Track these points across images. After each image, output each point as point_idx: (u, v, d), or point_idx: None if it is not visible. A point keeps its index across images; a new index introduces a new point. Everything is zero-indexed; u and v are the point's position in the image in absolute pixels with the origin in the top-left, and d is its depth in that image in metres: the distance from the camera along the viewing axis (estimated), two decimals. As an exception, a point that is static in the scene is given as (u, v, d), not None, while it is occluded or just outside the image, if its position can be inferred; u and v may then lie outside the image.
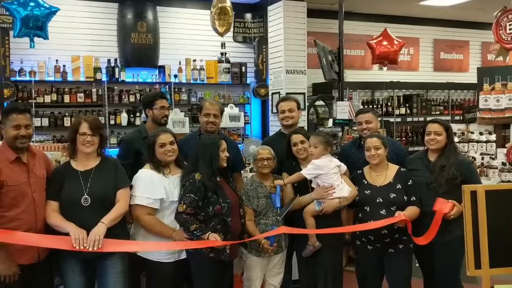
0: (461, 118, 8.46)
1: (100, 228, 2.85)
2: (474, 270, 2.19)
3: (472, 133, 5.54)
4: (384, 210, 3.33)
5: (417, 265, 3.72)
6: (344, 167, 3.54)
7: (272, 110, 7.31)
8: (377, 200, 3.37)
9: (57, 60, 6.75)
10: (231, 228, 3.14)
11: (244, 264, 3.59)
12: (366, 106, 8.12)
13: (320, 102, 8.15)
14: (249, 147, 5.37)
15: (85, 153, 3.05)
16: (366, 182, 3.48)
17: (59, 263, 3.03)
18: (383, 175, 3.46)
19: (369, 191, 3.43)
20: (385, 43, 6.84)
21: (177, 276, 3.20)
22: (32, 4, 4.78)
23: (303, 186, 3.55)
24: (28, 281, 2.94)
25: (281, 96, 6.27)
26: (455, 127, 5.78)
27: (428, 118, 6.04)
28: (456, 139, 5.54)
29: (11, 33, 6.31)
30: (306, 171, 3.45)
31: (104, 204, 2.99)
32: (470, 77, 10.03)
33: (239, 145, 4.88)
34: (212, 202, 3.08)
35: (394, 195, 3.36)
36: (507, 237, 2.37)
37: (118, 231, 3.02)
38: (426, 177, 3.48)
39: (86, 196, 2.95)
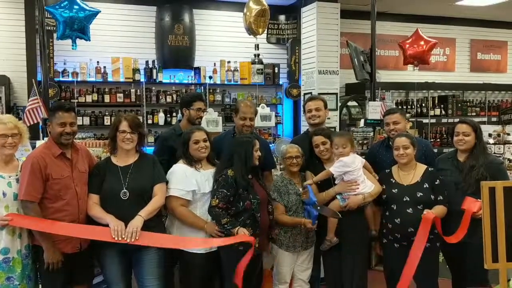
0: (498, 119, 8.32)
1: (137, 221, 3.01)
2: (492, 264, 2.24)
3: (509, 134, 5.48)
4: (410, 209, 3.36)
5: (447, 266, 3.72)
6: (363, 160, 3.61)
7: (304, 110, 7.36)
8: (404, 199, 3.40)
9: (98, 62, 7.02)
10: (260, 223, 3.24)
11: (274, 260, 3.68)
12: (399, 107, 8.07)
13: (354, 103, 8.16)
14: (281, 147, 5.46)
15: (124, 150, 3.20)
16: (393, 181, 3.52)
17: (99, 253, 3.19)
18: (411, 174, 3.49)
19: (396, 189, 3.46)
20: (421, 42, 6.77)
21: (208, 267, 3.31)
22: (76, 7, 4.86)
23: (327, 183, 3.61)
24: (70, 269, 3.12)
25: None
26: (491, 129, 5.72)
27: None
28: (492, 141, 5.48)
29: (55, 35, 6.62)
30: (335, 169, 3.52)
31: (141, 198, 3.13)
32: (508, 78, 9.81)
33: (270, 145, 4.97)
34: (243, 198, 3.20)
35: (421, 194, 3.38)
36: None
37: (154, 223, 3.16)
38: (455, 177, 3.49)
39: (125, 190, 3.10)
